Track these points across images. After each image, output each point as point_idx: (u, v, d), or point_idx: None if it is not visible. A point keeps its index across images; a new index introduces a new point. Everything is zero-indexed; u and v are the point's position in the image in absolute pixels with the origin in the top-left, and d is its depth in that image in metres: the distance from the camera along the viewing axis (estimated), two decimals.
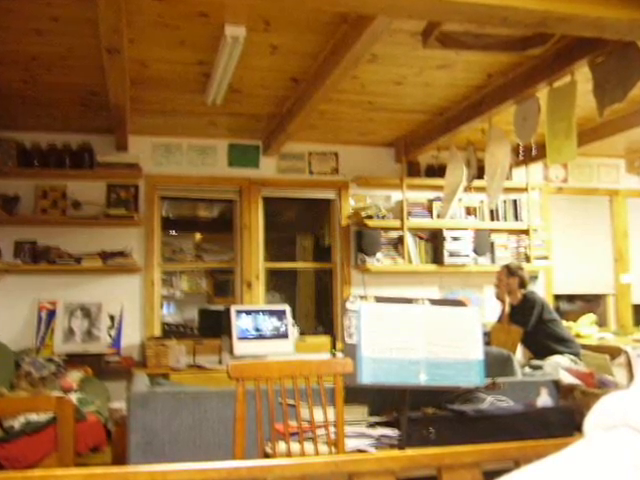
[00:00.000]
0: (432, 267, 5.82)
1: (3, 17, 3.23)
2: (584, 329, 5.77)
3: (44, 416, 3.37)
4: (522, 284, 4.98)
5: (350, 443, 2.40)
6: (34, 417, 3.39)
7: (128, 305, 5.32)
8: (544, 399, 2.89)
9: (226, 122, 5.18)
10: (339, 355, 4.49)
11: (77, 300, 5.23)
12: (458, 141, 5.10)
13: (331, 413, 2.31)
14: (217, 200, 6.19)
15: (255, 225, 5.69)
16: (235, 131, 5.43)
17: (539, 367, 4.19)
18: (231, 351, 4.62)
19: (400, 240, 5.76)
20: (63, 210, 5.22)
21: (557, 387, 3.16)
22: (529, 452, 1.74)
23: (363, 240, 5.68)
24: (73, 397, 3.80)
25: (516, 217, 6.11)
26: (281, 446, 2.29)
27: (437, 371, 2.41)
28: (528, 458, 1.66)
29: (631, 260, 6.54)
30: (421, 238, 5.87)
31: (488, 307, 5.66)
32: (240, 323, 4.68)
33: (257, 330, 4.72)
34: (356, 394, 2.60)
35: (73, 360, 4.80)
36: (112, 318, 5.26)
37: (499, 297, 5.10)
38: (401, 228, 5.75)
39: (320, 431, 2.33)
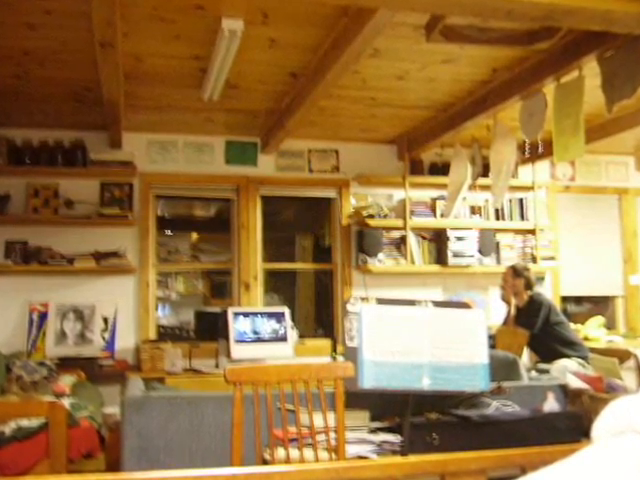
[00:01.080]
0: (435, 268, 5.82)
1: None
2: (592, 332, 5.77)
3: (36, 421, 3.37)
4: (528, 285, 4.98)
5: (351, 449, 2.41)
6: (25, 422, 3.38)
7: (122, 307, 5.32)
8: (551, 404, 2.90)
9: (223, 118, 5.18)
10: (340, 359, 4.49)
11: (69, 302, 5.23)
12: (462, 138, 5.10)
13: (331, 418, 2.31)
14: (214, 199, 6.19)
15: (253, 225, 5.70)
16: (232, 128, 5.43)
17: (546, 371, 4.20)
18: (228, 354, 4.63)
19: (402, 240, 5.76)
20: (55, 209, 5.22)
21: (564, 392, 3.16)
22: (535, 458, 1.74)
23: (364, 240, 5.68)
24: (65, 402, 3.79)
25: (522, 216, 6.11)
26: (280, 452, 2.29)
27: (441, 375, 2.41)
28: (534, 465, 1.66)
29: None
30: (424, 238, 5.87)
31: (493, 309, 5.65)
32: (238, 326, 4.68)
33: (255, 333, 4.73)
34: (357, 399, 2.60)
35: (65, 364, 4.80)
36: (106, 320, 5.26)
37: (505, 299, 5.10)
38: (403, 228, 5.75)
39: (320, 437, 2.33)
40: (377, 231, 5.69)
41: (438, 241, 5.86)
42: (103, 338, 5.22)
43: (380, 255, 5.69)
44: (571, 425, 2.78)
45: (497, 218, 6.06)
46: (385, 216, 5.73)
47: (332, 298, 5.98)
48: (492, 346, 4.48)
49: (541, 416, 2.82)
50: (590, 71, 3.54)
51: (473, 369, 2.46)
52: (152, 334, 5.41)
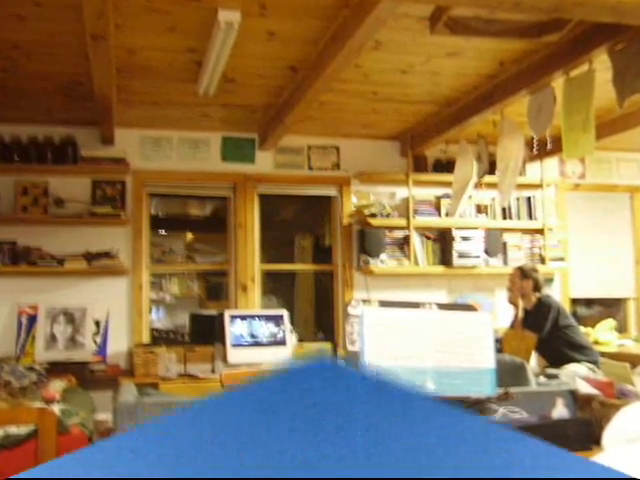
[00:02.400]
0: (440, 269, 5.82)
1: None
2: (603, 335, 5.77)
3: (24, 429, 3.37)
4: (536, 287, 4.98)
5: None
6: (14, 430, 3.39)
7: (114, 310, 5.32)
8: (560, 410, 2.90)
9: (219, 114, 5.18)
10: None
11: (60, 304, 5.23)
12: (468, 134, 5.10)
13: None
14: (210, 197, 6.19)
15: (250, 224, 5.70)
16: (229, 123, 5.43)
17: (555, 376, 4.19)
18: (225, 359, 4.63)
19: (406, 240, 5.77)
20: (45, 208, 5.22)
21: (574, 397, 3.16)
22: None
23: (366, 240, 5.69)
24: (56, 408, 3.79)
25: (530, 215, 6.12)
26: None
27: (445, 380, 2.42)
28: None
29: None
30: (428, 238, 5.87)
31: (500, 312, 5.66)
32: (234, 329, 4.69)
33: (253, 336, 4.73)
34: None
35: (56, 369, 4.80)
36: (97, 324, 5.26)
37: (512, 301, 5.10)
38: (407, 227, 5.76)
39: None
40: (379, 231, 5.69)
41: (443, 241, 5.86)
42: (95, 342, 5.22)
43: (382, 256, 5.69)
44: (581, 432, 2.78)
45: (504, 217, 6.07)
46: (388, 215, 5.74)
47: (332, 300, 5.98)
48: (499, 350, 4.49)
49: (550, 423, 2.82)
50: (601, 65, 3.55)
51: (479, 374, 2.47)
52: (145, 338, 5.41)
